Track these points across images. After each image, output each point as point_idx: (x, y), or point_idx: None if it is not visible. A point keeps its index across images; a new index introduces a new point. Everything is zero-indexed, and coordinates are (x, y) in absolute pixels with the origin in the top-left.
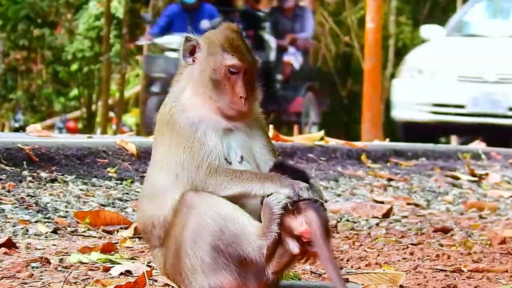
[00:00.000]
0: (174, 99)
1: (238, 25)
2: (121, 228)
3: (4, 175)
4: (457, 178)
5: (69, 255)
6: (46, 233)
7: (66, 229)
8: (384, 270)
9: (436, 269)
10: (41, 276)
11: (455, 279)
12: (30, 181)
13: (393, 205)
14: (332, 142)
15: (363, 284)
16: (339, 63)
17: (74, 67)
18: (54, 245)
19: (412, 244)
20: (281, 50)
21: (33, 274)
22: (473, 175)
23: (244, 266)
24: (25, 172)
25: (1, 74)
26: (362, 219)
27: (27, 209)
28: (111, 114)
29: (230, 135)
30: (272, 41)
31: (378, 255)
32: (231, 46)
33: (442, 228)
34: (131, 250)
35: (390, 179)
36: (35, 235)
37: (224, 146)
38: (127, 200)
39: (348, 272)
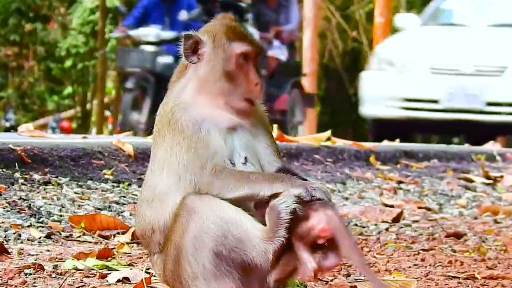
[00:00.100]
0: (176, 97)
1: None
2: (118, 233)
3: None
4: (471, 181)
5: (64, 261)
6: (40, 238)
7: (61, 234)
8: (394, 277)
9: (449, 276)
10: (34, 283)
11: (468, 286)
12: (22, 184)
13: (403, 209)
14: (339, 142)
15: None
16: (347, 59)
17: (68, 63)
18: (48, 250)
19: (424, 250)
20: (265, 43)
21: (26, 281)
22: (488, 177)
23: (248, 273)
24: (17, 174)
25: None
26: (371, 224)
27: (19, 213)
28: (107, 113)
29: (233, 134)
30: (255, 34)
31: (388, 262)
32: (237, 33)
33: (454, 233)
34: (129, 256)
35: (400, 182)
36: (28, 240)
37: (227, 146)
38: (124, 204)
39: (357, 279)
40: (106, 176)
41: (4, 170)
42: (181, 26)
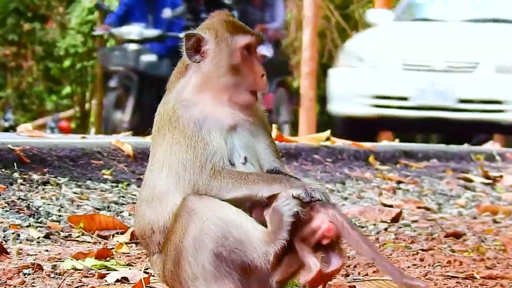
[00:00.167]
0: (177, 96)
1: (203, 14)
2: (117, 233)
3: None
4: (470, 181)
5: (63, 261)
6: (38, 238)
7: (59, 234)
8: None
9: (448, 276)
10: (33, 283)
11: (467, 286)
12: (21, 184)
13: (402, 209)
14: (339, 142)
15: None
16: None
17: (67, 63)
18: (47, 250)
19: (423, 250)
20: None
21: (25, 281)
22: (487, 177)
23: (248, 274)
24: (16, 174)
25: None
26: (370, 224)
27: (18, 213)
28: None
29: (233, 134)
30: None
31: None
32: (237, 27)
33: (454, 233)
34: (128, 256)
35: (399, 182)
36: (27, 240)
37: (227, 146)
38: (123, 204)
39: (355, 279)
40: (105, 176)
41: (3, 170)
42: (165, 24)
